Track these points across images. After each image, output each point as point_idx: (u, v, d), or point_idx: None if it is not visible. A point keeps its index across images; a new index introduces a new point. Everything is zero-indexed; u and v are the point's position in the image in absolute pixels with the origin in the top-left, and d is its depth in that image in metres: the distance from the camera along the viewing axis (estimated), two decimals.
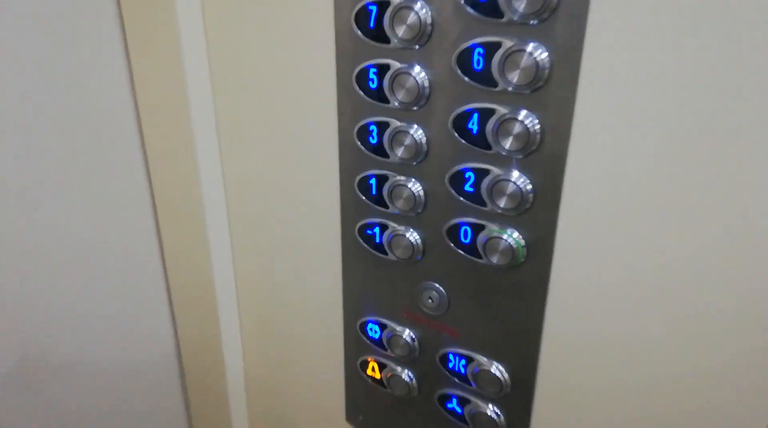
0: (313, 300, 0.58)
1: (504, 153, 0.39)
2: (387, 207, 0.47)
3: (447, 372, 0.51)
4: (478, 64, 0.38)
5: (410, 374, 0.54)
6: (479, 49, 0.37)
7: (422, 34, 0.39)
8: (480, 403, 0.50)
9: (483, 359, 0.48)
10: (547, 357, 0.45)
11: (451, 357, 0.50)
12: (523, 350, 0.46)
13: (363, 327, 0.55)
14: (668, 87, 0.32)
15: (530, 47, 0.35)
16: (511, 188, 0.40)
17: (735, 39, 0.30)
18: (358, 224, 0.50)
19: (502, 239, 0.42)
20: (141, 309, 0.67)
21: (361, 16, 0.41)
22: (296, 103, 0.48)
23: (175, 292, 0.67)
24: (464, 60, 0.38)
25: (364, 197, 0.48)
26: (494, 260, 0.42)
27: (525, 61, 0.35)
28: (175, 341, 0.71)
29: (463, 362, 0.50)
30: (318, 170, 0.50)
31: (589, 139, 0.36)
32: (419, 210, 0.45)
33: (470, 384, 0.50)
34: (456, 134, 0.41)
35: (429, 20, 0.38)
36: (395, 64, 0.41)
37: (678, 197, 0.35)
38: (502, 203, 0.40)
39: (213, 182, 0.58)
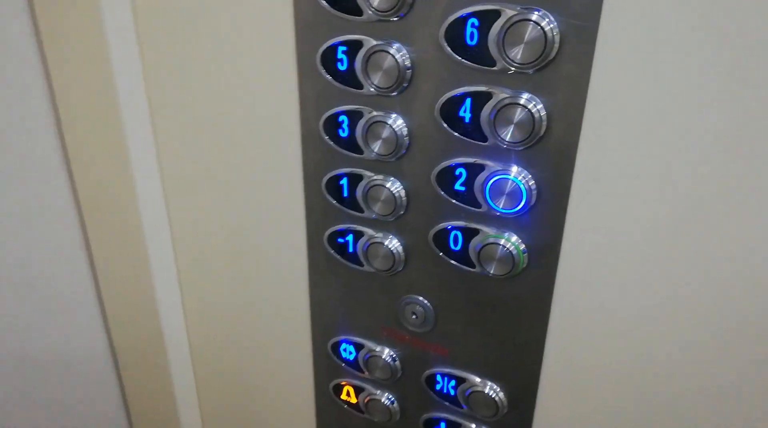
0: (275, 320, 0.50)
1: (504, 145, 0.33)
2: (362, 211, 0.40)
3: (434, 395, 0.45)
4: (471, 38, 0.31)
5: (391, 397, 0.48)
6: (473, 20, 0.31)
7: (402, 2, 0.32)
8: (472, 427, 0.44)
9: (476, 379, 0.42)
10: (550, 376, 0.39)
11: (438, 377, 0.44)
12: (522, 368, 0.40)
13: (335, 347, 0.48)
14: (709, 61, 0.27)
15: (536, 16, 0.29)
16: (510, 185, 0.34)
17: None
18: (327, 232, 0.43)
19: (500, 245, 0.36)
20: (71, 319, 0.57)
21: None
22: (248, 88, 0.41)
23: (111, 310, 0.58)
24: (454, 34, 0.32)
25: (333, 200, 0.41)
26: (491, 269, 0.36)
27: (530, 33, 0.29)
28: (114, 363, 0.62)
29: (452, 383, 0.44)
30: (276, 169, 0.43)
31: (605, 125, 0.30)
32: (400, 213, 0.39)
33: (461, 407, 0.44)
34: (444, 124, 0.34)
35: None
36: (369, 41, 0.34)
37: (707, 195, 0.30)
38: (500, 203, 0.34)
39: (149, 183, 0.49)
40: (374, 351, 0.46)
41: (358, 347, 0.47)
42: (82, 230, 0.53)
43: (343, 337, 0.47)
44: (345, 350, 0.48)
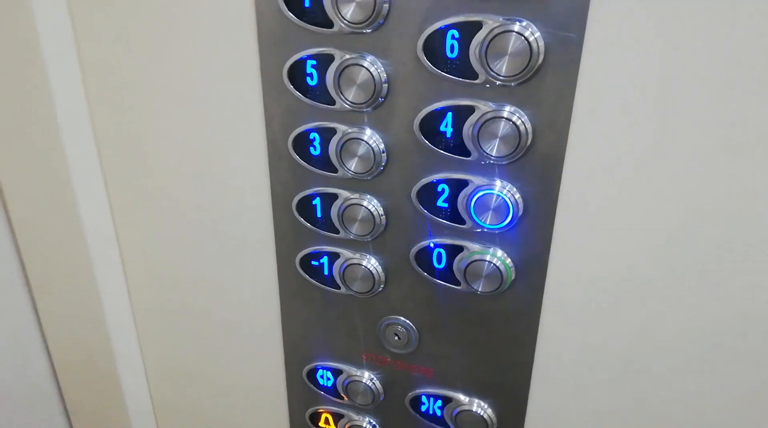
0: (244, 350, 0.47)
1: (490, 160, 0.32)
2: (337, 232, 0.38)
3: (420, 416, 0.43)
4: (452, 51, 0.30)
5: (373, 422, 0.46)
6: (453, 32, 0.29)
7: (377, 13, 0.30)
8: None
9: (463, 398, 0.41)
10: (539, 391, 0.39)
11: (424, 398, 0.42)
12: (510, 384, 0.39)
13: (311, 374, 0.45)
14: (691, 69, 0.27)
15: (518, 27, 0.28)
16: (496, 200, 0.33)
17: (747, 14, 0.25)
18: (300, 255, 0.40)
19: (486, 261, 0.35)
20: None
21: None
22: (208, 104, 0.38)
23: (57, 352, 0.53)
24: (433, 47, 0.30)
25: (306, 222, 0.39)
26: (478, 286, 0.35)
27: (514, 45, 0.28)
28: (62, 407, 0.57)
29: (438, 403, 0.42)
30: (241, 192, 0.40)
31: (592, 137, 0.30)
32: (379, 233, 0.37)
33: (448, 427, 0.43)
34: (425, 139, 0.33)
35: None
36: (341, 55, 0.32)
37: (693, 204, 0.30)
38: (485, 219, 0.33)
39: (98, 214, 0.45)
40: (354, 375, 0.44)
41: (337, 372, 0.44)
42: (26, 282, 0.48)
43: (319, 363, 0.45)
44: (322, 376, 0.45)
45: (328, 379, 0.45)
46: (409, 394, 0.43)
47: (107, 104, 0.40)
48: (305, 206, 0.38)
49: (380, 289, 0.39)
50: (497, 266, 0.34)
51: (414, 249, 0.37)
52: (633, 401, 0.36)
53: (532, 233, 0.33)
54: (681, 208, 0.30)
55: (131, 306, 0.50)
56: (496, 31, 0.28)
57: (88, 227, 0.44)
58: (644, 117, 0.28)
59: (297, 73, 0.34)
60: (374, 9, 0.30)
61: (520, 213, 0.33)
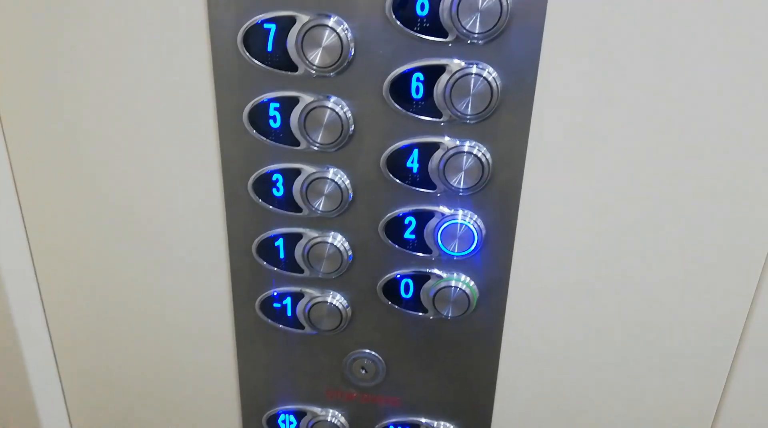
0: (198, 401, 0.44)
1: (457, 193, 0.34)
2: (302, 272, 0.38)
3: None
4: (417, 92, 0.32)
5: None
6: (418, 75, 0.31)
7: (343, 57, 0.31)
8: None
9: (431, 422, 0.42)
10: (503, 409, 0.41)
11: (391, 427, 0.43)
12: (475, 403, 0.41)
13: (272, 421, 0.44)
14: (626, 109, 0.31)
15: (476, 69, 0.31)
16: (461, 229, 0.35)
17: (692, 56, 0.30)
18: (260, 298, 0.39)
19: (453, 287, 0.36)
20: None
21: (254, 39, 0.31)
22: (160, 146, 0.36)
23: None
24: (399, 88, 0.32)
25: (266, 264, 0.38)
26: (447, 312, 0.37)
27: (476, 86, 0.31)
28: None
29: None
30: (194, 236, 0.38)
31: (545, 168, 0.33)
32: (345, 269, 0.37)
33: None
34: (392, 175, 0.34)
35: (349, 36, 0.31)
36: (306, 98, 0.33)
37: (642, 227, 0.34)
38: (452, 247, 0.35)
39: (22, 265, 0.40)
40: (318, 415, 0.43)
41: (300, 415, 0.43)
42: None
43: (281, 408, 0.43)
44: (284, 421, 0.44)
45: (291, 423, 0.44)
46: (377, 426, 0.43)
47: (46, 148, 0.37)
48: (266, 248, 0.37)
49: (346, 325, 0.39)
50: (464, 291, 0.36)
51: (381, 282, 0.38)
52: (595, 414, 0.40)
53: (493, 258, 0.36)
54: (629, 231, 0.34)
55: (63, 347, 0.45)
56: (458, 75, 0.31)
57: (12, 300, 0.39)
58: (592, 151, 0.32)
59: (258, 116, 0.34)
60: (341, 53, 0.31)
61: (483, 239, 0.35)
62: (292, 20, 0.31)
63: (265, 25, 0.31)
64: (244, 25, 0.31)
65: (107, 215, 0.39)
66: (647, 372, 0.38)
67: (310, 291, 0.39)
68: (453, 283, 0.36)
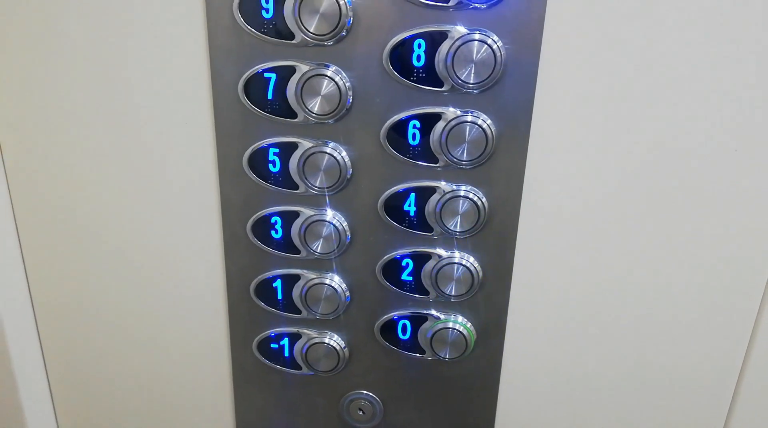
0: None
1: (454, 236, 0.34)
2: (299, 312, 0.38)
3: None
4: (413, 138, 0.32)
5: None
6: (414, 122, 0.32)
7: (341, 105, 0.32)
8: None
9: None
10: None
11: None
12: None
13: None
14: (618, 155, 0.32)
15: (471, 118, 0.31)
16: (460, 271, 0.35)
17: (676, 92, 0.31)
18: (257, 338, 0.39)
19: (450, 328, 0.36)
20: None
21: (255, 86, 0.32)
22: (161, 189, 0.36)
23: None
24: (396, 135, 0.32)
25: (264, 305, 0.38)
26: (444, 353, 0.37)
27: (471, 133, 0.31)
28: None
29: None
30: (193, 278, 0.38)
31: (541, 211, 0.33)
32: (343, 310, 0.37)
33: None
34: (389, 218, 0.34)
35: (347, 85, 0.32)
36: (304, 144, 0.33)
37: (639, 270, 0.34)
38: (449, 289, 0.35)
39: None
40: None
41: None
42: None
43: None
44: None
45: None
46: None
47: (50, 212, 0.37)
48: (264, 289, 0.38)
49: (344, 366, 0.39)
50: (461, 332, 0.36)
51: (378, 323, 0.38)
52: None
53: (491, 299, 0.36)
54: (625, 274, 0.34)
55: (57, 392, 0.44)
56: (453, 123, 0.32)
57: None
58: (586, 195, 0.33)
59: (258, 160, 0.34)
60: (340, 102, 0.32)
61: (480, 282, 0.35)
62: (292, 70, 0.32)
63: (266, 75, 0.32)
64: (245, 74, 0.32)
65: (107, 256, 0.39)
66: (648, 412, 0.38)
67: (307, 332, 0.39)
68: (450, 324, 0.37)
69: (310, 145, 0.33)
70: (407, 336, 0.38)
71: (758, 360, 0.36)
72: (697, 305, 0.35)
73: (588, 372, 0.38)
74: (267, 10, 0.30)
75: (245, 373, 0.41)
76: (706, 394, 0.37)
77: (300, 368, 0.39)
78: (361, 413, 0.41)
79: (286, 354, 0.39)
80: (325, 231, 0.35)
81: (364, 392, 0.40)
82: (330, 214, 0.35)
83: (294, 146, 0.33)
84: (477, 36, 0.29)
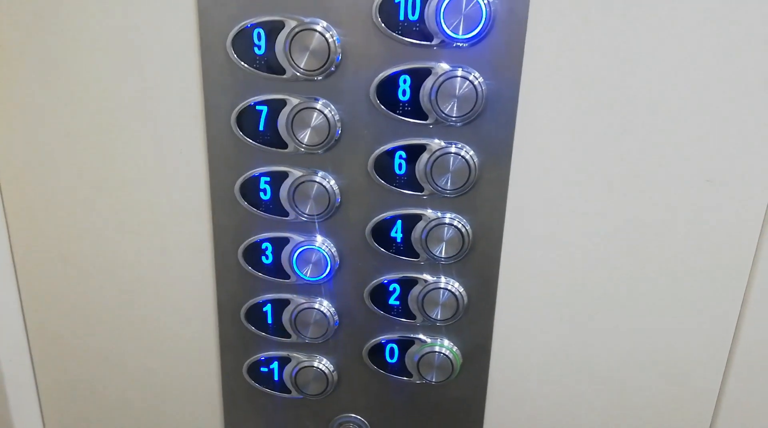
0: None
1: (437, 261, 0.35)
2: (288, 336, 0.39)
3: None
4: (400, 168, 0.34)
5: None
6: (401, 153, 0.33)
7: (330, 136, 0.33)
8: None
9: None
10: None
11: None
12: None
13: None
14: (597, 182, 0.33)
15: (455, 149, 0.33)
16: (445, 296, 0.36)
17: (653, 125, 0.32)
18: (248, 362, 0.40)
19: (437, 352, 0.37)
20: None
21: (247, 118, 0.33)
22: (154, 209, 0.37)
23: None
24: (383, 165, 0.34)
25: (254, 328, 0.39)
26: (431, 377, 0.38)
27: (454, 163, 0.33)
28: None
29: None
30: (185, 299, 0.39)
31: (523, 239, 0.35)
32: (331, 334, 0.38)
33: None
34: (376, 244, 0.36)
35: (336, 118, 0.33)
36: (295, 173, 0.35)
37: (621, 295, 0.35)
38: (435, 313, 0.36)
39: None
40: None
41: None
42: None
43: None
44: None
45: None
46: None
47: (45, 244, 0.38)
48: (255, 313, 0.38)
49: (332, 389, 0.40)
50: (447, 356, 0.37)
51: (366, 347, 0.38)
52: None
53: (476, 323, 0.37)
54: (607, 299, 0.36)
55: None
56: (438, 153, 0.33)
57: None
58: (567, 222, 0.34)
59: (249, 189, 0.35)
60: (329, 133, 0.33)
61: (465, 306, 0.36)
62: (283, 103, 0.33)
63: (258, 107, 0.33)
64: (238, 107, 0.33)
65: (99, 281, 0.39)
66: None
67: (297, 356, 0.39)
68: (437, 348, 0.37)
69: (300, 174, 0.34)
70: (395, 360, 0.38)
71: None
72: (678, 322, 0.36)
73: (573, 396, 0.38)
74: (259, 47, 0.32)
75: (235, 396, 0.41)
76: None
77: (289, 391, 0.40)
78: None
79: (276, 378, 0.40)
80: (314, 257, 0.36)
81: (353, 415, 0.41)
82: (319, 240, 0.36)
83: (284, 175, 0.35)
84: (459, 72, 0.31)
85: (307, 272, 0.36)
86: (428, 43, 0.31)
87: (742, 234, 0.33)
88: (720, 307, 0.35)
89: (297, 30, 0.31)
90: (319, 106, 0.33)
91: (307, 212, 0.35)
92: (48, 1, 0.33)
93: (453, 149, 0.33)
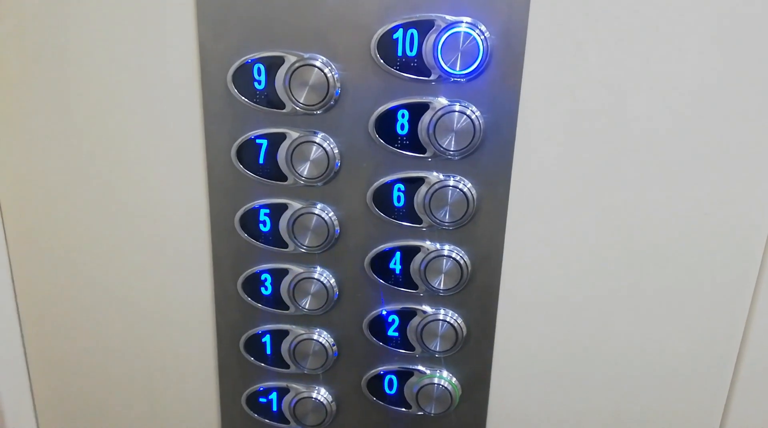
0: None
1: (436, 293, 0.35)
2: (288, 367, 0.38)
3: None
4: (398, 201, 0.34)
5: None
6: (399, 185, 0.34)
7: (330, 169, 0.33)
8: None
9: None
10: None
11: None
12: None
13: None
14: (594, 215, 0.33)
15: (453, 182, 0.33)
16: (444, 327, 0.36)
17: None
18: (246, 392, 0.40)
19: (436, 384, 0.37)
20: None
21: (247, 151, 0.34)
22: (155, 240, 0.37)
23: None
24: (381, 198, 0.34)
25: (253, 359, 0.39)
26: (429, 408, 0.37)
27: (452, 196, 0.33)
28: None
29: None
30: (183, 330, 0.39)
31: (522, 271, 0.35)
32: (330, 365, 0.38)
33: None
34: (375, 276, 0.36)
35: (335, 151, 0.33)
36: (294, 205, 0.35)
37: (621, 321, 0.35)
38: (434, 345, 0.36)
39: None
40: None
41: None
42: None
43: None
44: None
45: None
46: None
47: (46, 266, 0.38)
48: (254, 345, 0.38)
49: (331, 420, 0.39)
50: (446, 388, 0.37)
51: (365, 378, 0.38)
52: None
53: (475, 355, 0.37)
54: (604, 329, 0.35)
55: None
56: (436, 186, 0.33)
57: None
58: (566, 253, 0.34)
59: (249, 220, 0.35)
60: (328, 166, 0.33)
61: (464, 337, 0.36)
62: (282, 136, 0.33)
63: (258, 141, 0.34)
64: (238, 140, 0.34)
65: (100, 307, 0.39)
66: None
67: (295, 386, 0.39)
68: (436, 380, 0.37)
69: (300, 206, 0.35)
70: (393, 391, 0.38)
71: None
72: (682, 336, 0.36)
73: (574, 425, 0.38)
74: (259, 82, 0.32)
75: (234, 427, 0.41)
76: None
77: (288, 422, 0.40)
78: None
79: (275, 409, 0.40)
80: (313, 288, 0.36)
81: None
82: (318, 271, 0.36)
83: (284, 207, 0.35)
84: (457, 107, 0.31)
85: (306, 303, 0.36)
86: (426, 78, 0.31)
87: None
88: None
89: (297, 65, 0.32)
90: (318, 139, 0.33)
91: (306, 243, 0.35)
92: (50, 34, 0.33)
93: (451, 182, 0.33)
